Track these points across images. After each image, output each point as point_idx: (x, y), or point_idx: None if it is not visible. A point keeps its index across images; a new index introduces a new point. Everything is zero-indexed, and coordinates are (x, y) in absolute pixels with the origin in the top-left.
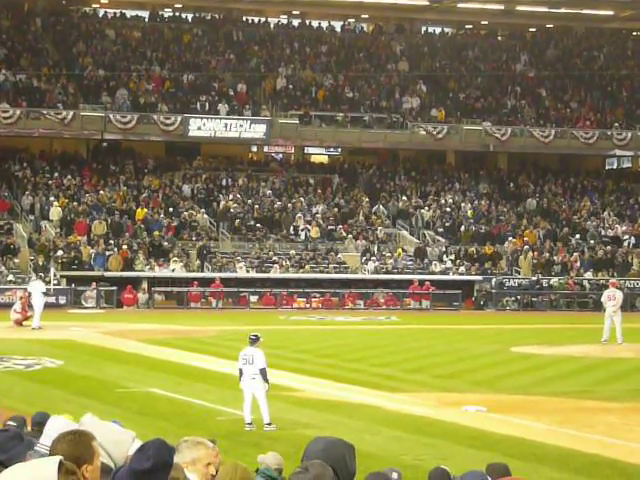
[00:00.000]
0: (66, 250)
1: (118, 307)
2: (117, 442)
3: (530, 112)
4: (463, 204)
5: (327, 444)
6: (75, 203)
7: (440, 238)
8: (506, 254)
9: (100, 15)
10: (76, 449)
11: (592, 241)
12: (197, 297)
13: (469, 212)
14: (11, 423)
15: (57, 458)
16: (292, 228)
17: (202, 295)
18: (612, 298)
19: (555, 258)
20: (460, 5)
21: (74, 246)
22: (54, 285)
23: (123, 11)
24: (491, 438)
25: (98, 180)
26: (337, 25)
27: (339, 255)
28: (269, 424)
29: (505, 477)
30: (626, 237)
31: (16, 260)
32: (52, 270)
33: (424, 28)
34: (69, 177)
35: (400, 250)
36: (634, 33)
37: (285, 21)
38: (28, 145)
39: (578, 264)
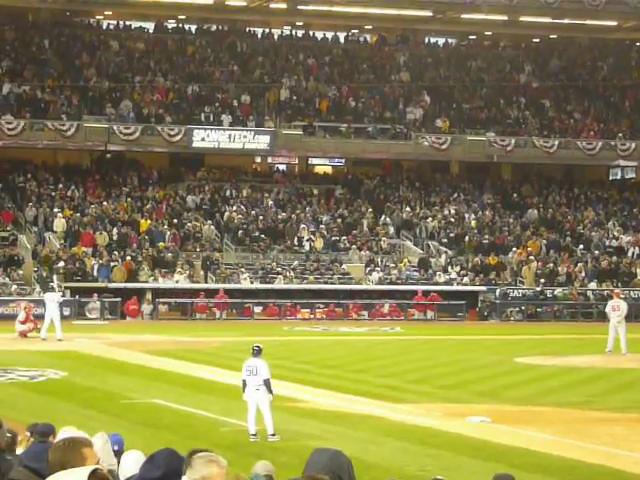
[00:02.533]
0: (70, 261)
1: (122, 318)
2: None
3: (534, 122)
4: (467, 215)
5: (332, 454)
6: (79, 214)
7: (444, 249)
8: (510, 264)
9: (104, 27)
10: (64, 455)
11: (596, 251)
12: (201, 308)
13: (473, 222)
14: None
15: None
16: (296, 239)
17: (206, 306)
18: (616, 309)
19: (559, 269)
20: (464, 16)
21: (78, 257)
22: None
23: (127, 22)
24: (495, 449)
25: (102, 191)
26: (341, 36)
27: (343, 266)
28: (273, 435)
29: None
30: (630, 247)
31: (20, 272)
32: (55, 281)
33: (427, 39)
34: (73, 188)
35: (406, 260)
36: (638, 44)
37: (289, 32)
38: (32, 156)
39: (582, 274)
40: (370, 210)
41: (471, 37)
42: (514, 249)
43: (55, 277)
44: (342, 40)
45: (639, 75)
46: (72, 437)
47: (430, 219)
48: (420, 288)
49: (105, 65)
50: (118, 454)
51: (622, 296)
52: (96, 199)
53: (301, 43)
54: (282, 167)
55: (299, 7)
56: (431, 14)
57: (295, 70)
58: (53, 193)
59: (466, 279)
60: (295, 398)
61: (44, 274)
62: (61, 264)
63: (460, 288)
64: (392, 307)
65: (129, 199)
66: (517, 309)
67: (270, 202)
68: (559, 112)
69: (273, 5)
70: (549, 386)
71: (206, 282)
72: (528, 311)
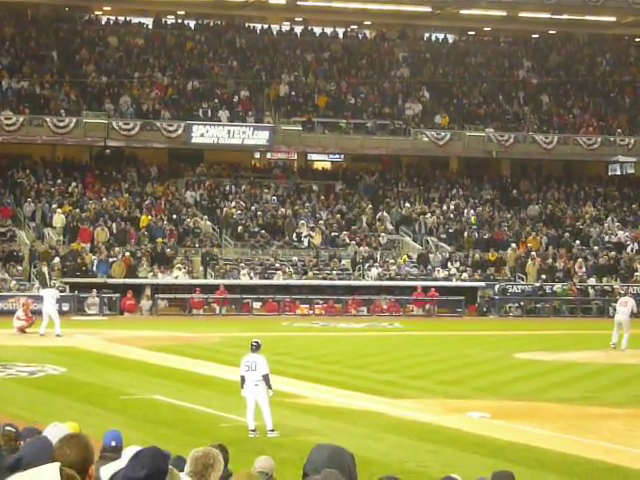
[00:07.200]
0: (69, 257)
1: (121, 314)
2: None
3: (533, 118)
4: (466, 210)
5: (332, 451)
6: (78, 210)
7: (443, 244)
8: (509, 261)
9: (103, 22)
10: (84, 451)
11: (595, 247)
12: (200, 304)
13: (472, 218)
14: (10, 428)
15: (56, 465)
16: (295, 235)
17: (205, 302)
18: (624, 305)
19: (558, 264)
20: (463, 11)
21: (77, 253)
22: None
23: (126, 18)
24: (495, 444)
25: (101, 187)
26: (340, 32)
27: (343, 262)
28: (272, 430)
29: None
30: (629, 243)
31: (19, 267)
32: (47, 276)
33: (427, 34)
34: (72, 184)
35: (405, 256)
36: (637, 39)
37: (288, 28)
38: (31, 152)
39: (582, 270)
40: (369, 206)
41: (470, 33)
42: (512, 245)
43: (46, 271)
44: (341, 36)
45: (638, 71)
46: (78, 433)
47: (429, 215)
48: (419, 284)
49: (104, 61)
50: (117, 450)
51: (631, 293)
52: (95, 195)
53: (300, 39)
54: (281, 163)
55: (298, 3)
56: (430, 10)
57: (294, 66)
58: (52, 189)
59: (465, 275)
60: (294, 394)
61: (43, 270)
62: (57, 260)
63: (459, 284)
64: (391, 303)
65: (128, 195)
66: (516, 305)
67: (269, 198)
68: (558, 108)
69: (272, 1)
70: (548, 382)
71: (205, 278)
72: (527, 307)
